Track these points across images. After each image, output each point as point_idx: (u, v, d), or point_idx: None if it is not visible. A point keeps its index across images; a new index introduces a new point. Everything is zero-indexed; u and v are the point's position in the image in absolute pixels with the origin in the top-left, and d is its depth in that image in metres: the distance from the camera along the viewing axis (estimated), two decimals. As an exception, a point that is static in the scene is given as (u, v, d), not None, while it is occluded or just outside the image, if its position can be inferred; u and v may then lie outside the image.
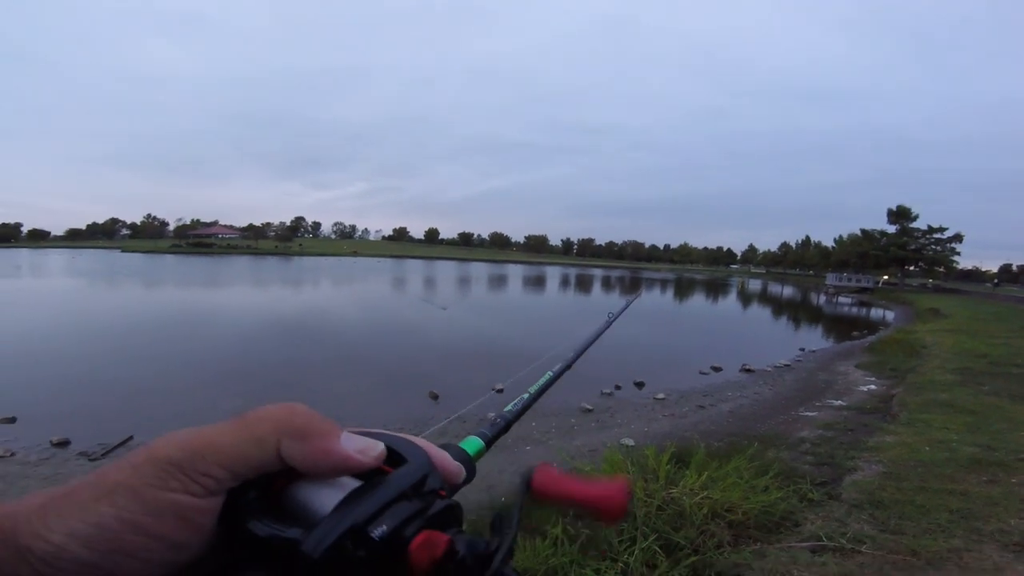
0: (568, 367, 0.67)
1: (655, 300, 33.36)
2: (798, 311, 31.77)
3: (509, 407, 0.50)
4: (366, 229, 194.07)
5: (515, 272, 59.93)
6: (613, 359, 10.14)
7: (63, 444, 5.91)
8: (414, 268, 57.64)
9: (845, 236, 72.10)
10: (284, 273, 40.75)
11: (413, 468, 0.31)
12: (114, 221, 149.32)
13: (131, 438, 5.99)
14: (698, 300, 36.97)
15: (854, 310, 33.00)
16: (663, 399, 8.52)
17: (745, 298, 40.90)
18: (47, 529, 0.24)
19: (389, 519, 0.27)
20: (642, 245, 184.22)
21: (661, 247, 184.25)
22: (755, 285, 64.32)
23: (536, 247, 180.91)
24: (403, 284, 34.81)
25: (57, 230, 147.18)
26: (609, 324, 1.02)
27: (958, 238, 54.18)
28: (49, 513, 0.25)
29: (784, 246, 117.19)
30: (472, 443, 0.43)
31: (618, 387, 9.05)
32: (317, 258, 74.86)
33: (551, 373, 0.62)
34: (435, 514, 0.29)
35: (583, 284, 46.06)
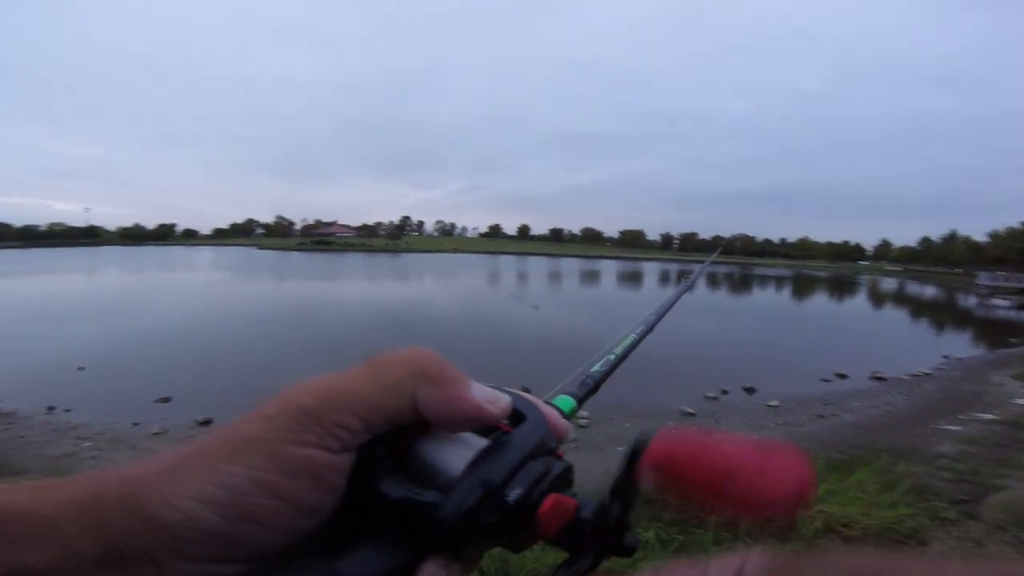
0: (649, 330, 0.65)
1: (769, 299, 31.13)
2: (942, 314, 27.83)
3: (596, 367, 0.49)
4: (464, 226, 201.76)
5: (607, 268, 58.81)
6: (719, 362, 9.80)
7: (206, 423, 6.49)
8: (507, 264, 58.85)
9: (1000, 230, 61.72)
10: (392, 268, 43.89)
11: (534, 426, 0.30)
12: (251, 221, 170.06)
13: None
14: (820, 300, 33.78)
15: (1012, 313, 28.19)
16: (777, 407, 8.06)
17: (877, 298, 36.64)
18: (176, 494, 0.23)
19: (522, 481, 0.27)
20: (753, 239, 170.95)
21: (776, 241, 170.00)
22: (889, 284, 57.13)
23: (631, 242, 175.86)
24: (496, 280, 35.86)
25: (205, 229, 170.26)
26: (688, 287, 1.03)
27: None
28: (178, 475, 0.24)
29: (924, 241, 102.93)
30: (565, 401, 0.42)
31: (724, 392, 8.71)
32: (421, 255, 79.40)
33: (633, 335, 0.59)
34: (556, 476, 0.28)
35: (681, 281, 43.98)
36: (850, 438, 6.25)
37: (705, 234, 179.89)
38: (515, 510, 0.26)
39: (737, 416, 7.60)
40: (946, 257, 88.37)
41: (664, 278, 45.90)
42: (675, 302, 0.83)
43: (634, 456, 0.27)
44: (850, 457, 4.84)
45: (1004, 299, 37.68)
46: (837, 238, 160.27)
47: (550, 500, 0.26)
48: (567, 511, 0.27)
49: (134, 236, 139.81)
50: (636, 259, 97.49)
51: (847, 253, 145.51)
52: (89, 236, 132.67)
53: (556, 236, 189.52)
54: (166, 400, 7.40)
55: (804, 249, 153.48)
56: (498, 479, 0.26)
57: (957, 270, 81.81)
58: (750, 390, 8.90)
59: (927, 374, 10.82)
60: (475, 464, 0.26)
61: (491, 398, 0.28)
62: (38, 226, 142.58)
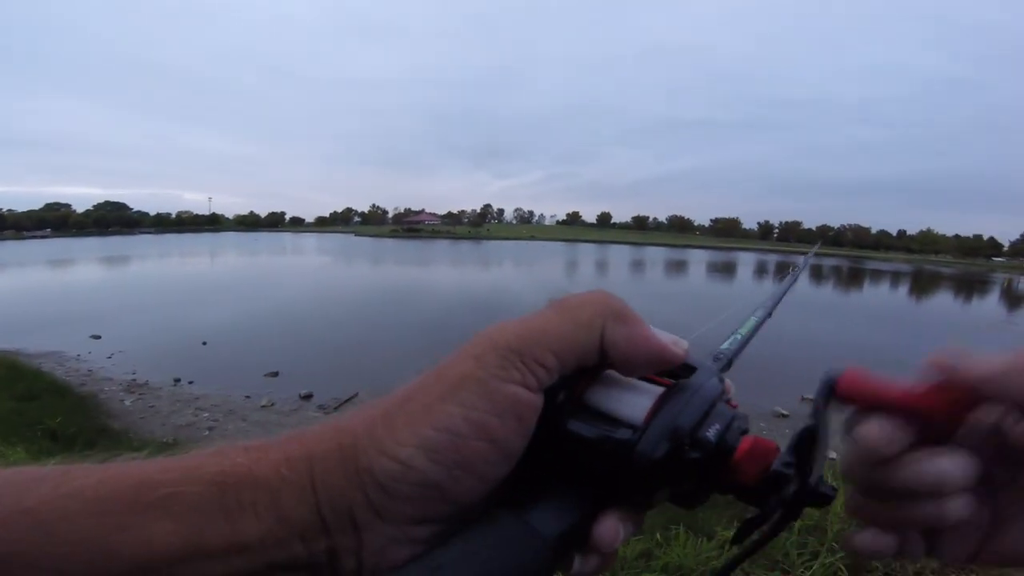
0: (768, 315, 0.66)
1: (881, 296, 28.13)
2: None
3: (725, 345, 0.50)
4: (542, 215, 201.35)
5: (695, 258, 55.81)
6: (820, 361, 9.01)
7: (308, 397, 6.91)
8: (584, 252, 57.89)
9: None
10: (474, 254, 45.02)
11: (711, 375, 0.29)
12: (349, 210, 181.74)
13: (356, 395, 6.80)
14: (943, 299, 29.95)
15: None
16: (878, 413, 7.34)
17: (1012, 299, 31.80)
18: (395, 442, 0.23)
19: (718, 420, 0.26)
20: (867, 230, 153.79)
21: (894, 233, 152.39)
22: (1031, 284, 49.20)
23: (725, 230, 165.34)
24: (572, 269, 35.50)
25: (309, 217, 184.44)
26: (797, 277, 0.97)
27: None
28: (395, 422, 0.24)
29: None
30: None
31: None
32: (501, 242, 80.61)
33: (755, 319, 0.61)
34: (743, 421, 0.28)
35: (781, 273, 40.90)
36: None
37: (810, 223, 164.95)
38: (714, 450, 0.25)
39: (835, 420, 6.99)
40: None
41: (760, 270, 42.84)
42: (789, 289, 0.80)
43: (826, 394, 0.26)
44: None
45: None
46: (967, 231, 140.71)
47: (748, 441, 0.26)
48: (768, 452, 0.26)
49: (248, 223, 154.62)
50: (730, 248, 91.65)
51: (979, 248, 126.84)
52: (212, 223, 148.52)
53: (640, 224, 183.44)
54: (275, 375, 7.90)
55: (927, 242, 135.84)
56: (694, 418, 0.25)
57: None
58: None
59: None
60: (661, 406, 0.26)
61: (674, 340, 0.28)
62: (170, 214, 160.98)
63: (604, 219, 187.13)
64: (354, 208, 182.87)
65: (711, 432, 0.25)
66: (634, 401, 0.26)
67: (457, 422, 0.23)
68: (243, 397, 7.09)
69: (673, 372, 0.28)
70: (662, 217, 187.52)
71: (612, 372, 0.28)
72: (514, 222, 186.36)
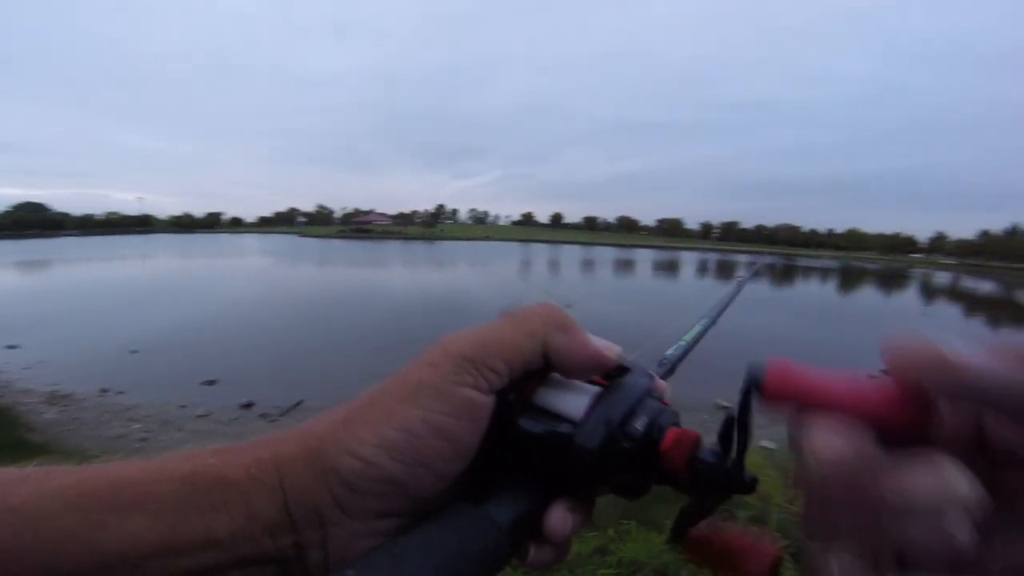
0: (713, 322, 0.68)
1: (811, 291, 29.94)
2: (999, 310, 26.17)
3: (670, 351, 0.52)
4: (497, 215, 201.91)
5: (642, 257, 57.65)
6: (756, 353, 9.50)
7: (248, 406, 6.54)
8: (536, 252, 58.53)
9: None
10: (427, 255, 44.39)
11: (643, 374, 0.32)
12: (293, 210, 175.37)
13: (301, 402, 6.58)
14: (867, 293, 32.27)
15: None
16: (812, 403, 7.80)
17: (929, 292, 34.72)
18: (357, 441, 0.25)
19: (645, 414, 0.29)
20: (798, 229, 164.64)
21: (823, 232, 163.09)
22: (943, 278, 53.99)
23: (669, 231, 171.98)
24: (528, 267, 35.78)
25: (250, 217, 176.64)
26: (742, 287, 1.04)
27: None
28: (357, 424, 0.26)
29: (984, 234, 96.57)
30: None
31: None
32: (455, 242, 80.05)
33: (700, 326, 0.62)
34: (671, 415, 0.30)
35: (722, 271, 42.89)
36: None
37: (748, 224, 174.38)
38: (643, 441, 0.28)
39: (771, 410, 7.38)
40: (1008, 251, 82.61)
41: (702, 268, 44.80)
42: (735, 296, 0.86)
43: (749, 387, 0.26)
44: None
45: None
46: (889, 230, 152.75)
47: (673, 432, 0.28)
48: (691, 442, 0.28)
49: (183, 224, 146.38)
50: (673, 248, 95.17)
51: (899, 245, 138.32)
52: (142, 224, 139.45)
53: (591, 224, 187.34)
54: (212, 383, 7.53)
55: (853, 240, 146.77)
56: (624, 411, 0.28)
57: (1019, 265, 76.42)
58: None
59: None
60: (597, 403, 0.29)
61: (607, 345, 0.31)
62: (95, 215, 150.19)
63: (557, 219, 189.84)
64: (299, 208, 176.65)
65: (639, 423, 0.28)
66: (575, 400, 0.29)
67: (415, 423, 0.25)
68: (178, 407, 6.72)
69: (613, 375, 0.31)
70: (611, 218, 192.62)
71: (557, 375, 0.31)
72: (469, 222, 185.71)
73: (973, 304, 28.73)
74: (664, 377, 0.42)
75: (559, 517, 0.27)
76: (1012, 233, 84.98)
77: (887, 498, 0.20)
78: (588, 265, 41.12)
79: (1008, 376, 0.19)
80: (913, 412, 0.22)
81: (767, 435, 6.28)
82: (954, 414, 0.21)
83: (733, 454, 0.27)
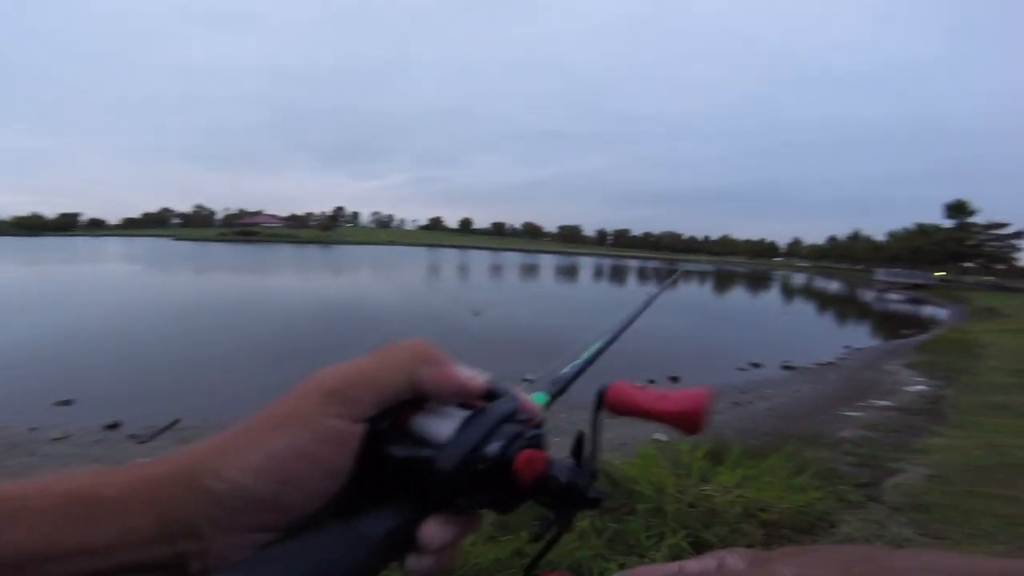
0: (614, 339, 0.70)
1: (693, 293, 32.66)
2: (844, 307, 30.48)
3: (566, 370, 0.54)
4: (403, 219, 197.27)
5: (547, 262, 59.69)
6: (647, 352, 10.05)
7: (114, 426, 6.08)
8: (447, 257, 58.18)
9: (898, 230, 68.69)
10: (323, 261, 41.96)
11: (507, 400, 0.35)
12: (166, 211, 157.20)
13: (177, 421, 6.19)
14: (738, 294, 35.96)
15: (905, 307, 31.40)
16: (698, 394, 8.39)
17: (788, 292, 39.52)
18: (226, 466, 0.27)
19: (500, 438, 0.31)
20: (680, 236, 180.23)
21: (700, 238, 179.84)
22: (799, 279, 61.95)
23: (570, 237, 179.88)
24: (436, 273, 35.26)
25: (113, 219, 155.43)
26: (649, 303, 1.07)
27: (1021, 235, 50.90)
28: (227, 450, 0.28)
29: (831, 239, 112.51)
30: (539, 397, 0.47)
31: (652, 381, 8.95)
32: (355, 247, 76.59)
33: (600, 343, 0.65)
34: (531, 438, 0.33)
35: (616, 275, 45.52)
36: (764, 425, 6.55)
37: (637, 231, 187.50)
38: (496, 462, 0.31)
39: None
40: (850, 254, 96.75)
41: (598, 273, 47.21)
42: (638, 316, 0.85)
43: (598, 406, 0.35)
44: (764, 443, 5.03)
45: (898, 293, 41.87)
46: (755, 236, 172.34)
47: (524, 454, 0.31)
48: (540, 462, 0.32)
49: (30, 225, 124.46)
50: (574, 254, 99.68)
51: (764, 250, 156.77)
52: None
53: (498, 230, 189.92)
54: (67, 403, 6.82)
55: (726, 246, 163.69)
56: (480, 435, 0.31)
57: (859, 266, 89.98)
58: (675, 379, 9.23)
59: (831, 363, 11.68)
60: (461, 428, 0.31)
61: (472, 375, 0.34)
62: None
63: (466, 224, 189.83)
64: (173, 208, 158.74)
65: (493, 447, 0.31)
66: (444, 425, 0.32)
67: (281, 449, 0.28)
68: (28, 429, 5.99)
69: (492, 397, 0.35)
70: (518, 224, 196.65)
71: (433, 403, 0.34)
72: (372, 226, 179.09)
73: (823, 302, 33.18)
74: (557, 395, 0.49)
75: (431, 530, 0.29)
76: (854, 238, 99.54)
77: None
78: (497, 270, 41.47)
79: None
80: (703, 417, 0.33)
81: (662, 427, 6.64)
82: None
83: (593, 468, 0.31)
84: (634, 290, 31.76)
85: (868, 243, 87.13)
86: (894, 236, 69.82)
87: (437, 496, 0.30)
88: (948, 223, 54.39)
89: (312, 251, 58.10)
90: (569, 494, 0.33)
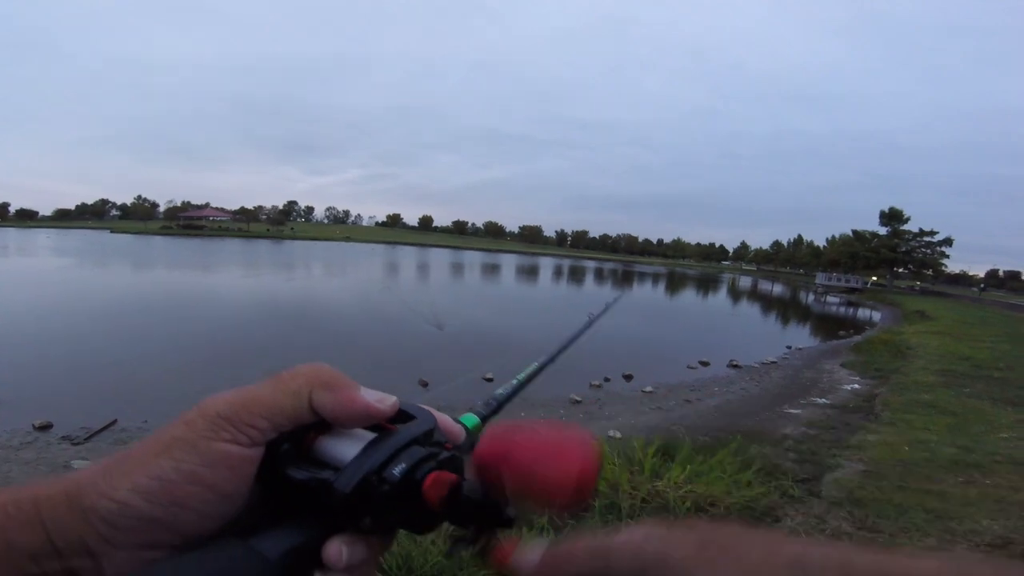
0: (551, 360, 0.71)
1: (647, 294, 33.49)
2: (787, 309, 32.06)
3: (500, 391, 0.54)
4: (359, 215, 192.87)
5: (508, 261, 59.86)
6: (603, 351, 10.18)
7: (45, 428, 5.76)
8: (406, 254, 57.36)
9: (837, 236, 72.72)
10: (273, 257, 40.42)
11: (421, 422, 0.35)
12: (104, 202, 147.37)
13: (115, 422, 5.88)
14: (689, 295, 37.16)
15: (842, 310, 33.35)
16: (651, 392, 8.59)
17: (735, 294, 41.19)
18: (112, 487, 0.27)
19: (405, 460, 0.31)
20: (636, 239, 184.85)
21: (654, 241, 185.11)
22: (746, 282, 64.75)
23: (531, 237, 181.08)
24: (394, 272, 34.63)
25: (46, 211, 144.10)
26: (589, 324, 1.05)
27: (948, 242, 55.09)
28: (113, 472, 0.28)
29: (776, 244, 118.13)
30: (469, 419, 0.47)
31: (607, 379, 9.10)
32: (308, 242, 74.24)
33: (536, 364, 0.66)
34: (443, 460, 0.33)
35: (576, 276, 46.15)
36: (713, 422, 6.75)
37: (595, 233, 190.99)
38: (401, 484, 0.31)
39: (617, 402, 7.94)
40: (793, 259, 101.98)
41: (558, 273, 47.69)
42: (577, 338, 0.87)
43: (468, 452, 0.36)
44: (713, 439, 5.17)
45: (836, 296, 44.42)
46: (705, 240, 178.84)
47: (432, 475, 0.32)
48: (447, 483, 0.32)
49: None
50: (535, 254, 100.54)
51: (713, 254, 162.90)
52: None
53: (460, 229, 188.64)
54: None
55: (677, 249, 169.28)
56: (383, 458, 0.31)
57: (801, 271, 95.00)
58: (628, 377, 9.43)
59: (774, 362, 12.23)
60: (365, 450, 0.32)
61: (378, 398, 0.34)
62: None
63: (426, 222, 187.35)
64: (112, 200, 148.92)
65: (396, 470, 0.31)
66: (347, 448, 0.32)
67: (167, 471, 0.28)
68: None
69: (404, 419, 0.35)
70: (479, 223, 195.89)
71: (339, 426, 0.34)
72: (326, 221, 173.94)
73: (767, 304, 34.77)
74: (489, 416, 0.49)
75: (335, 549, 0.29)
76: (797, 244, 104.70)
77: None
78: (457, 269, 41.11)
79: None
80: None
81: (614, 425, 6.74)
82: None
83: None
84: (591, 292, 32.21)
85: (810, 248, 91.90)
86: (832, 242, 73.80)
87: (337, 516, 0.30)
88: (883, 230, 57.87)
89: (261, 246, 55.88)
90: (483, 514, 0.34)
